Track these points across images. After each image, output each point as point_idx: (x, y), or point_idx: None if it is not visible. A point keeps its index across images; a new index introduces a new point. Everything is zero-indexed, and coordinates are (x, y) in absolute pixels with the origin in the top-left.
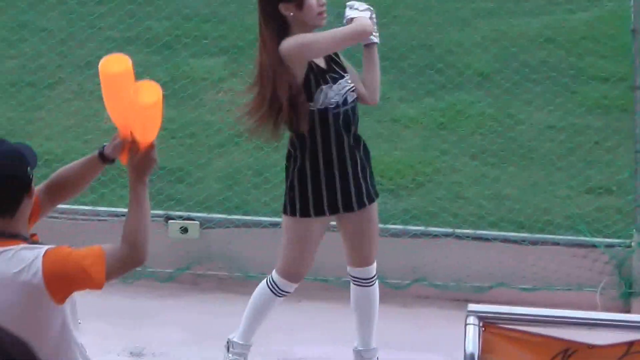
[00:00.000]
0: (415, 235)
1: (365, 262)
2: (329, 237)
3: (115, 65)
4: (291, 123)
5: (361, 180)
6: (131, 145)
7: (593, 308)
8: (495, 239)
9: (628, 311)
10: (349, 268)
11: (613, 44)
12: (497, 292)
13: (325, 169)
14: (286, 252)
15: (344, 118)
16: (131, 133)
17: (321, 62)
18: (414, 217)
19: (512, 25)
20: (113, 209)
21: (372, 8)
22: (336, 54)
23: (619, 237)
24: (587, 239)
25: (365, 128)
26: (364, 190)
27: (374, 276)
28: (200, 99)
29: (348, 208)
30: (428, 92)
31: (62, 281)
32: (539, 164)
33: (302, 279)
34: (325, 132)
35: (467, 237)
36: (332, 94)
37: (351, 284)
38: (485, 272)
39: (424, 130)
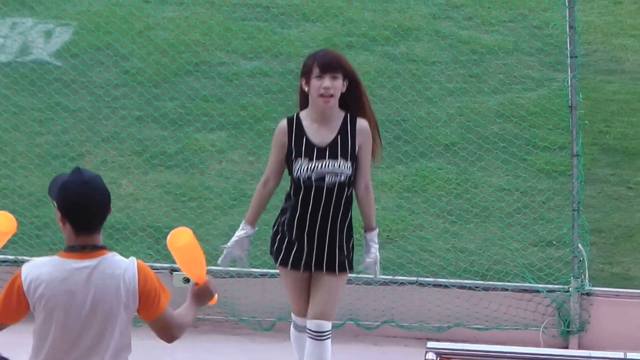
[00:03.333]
0: (385, 283)
1: (320, 315)
2: None
3: (181, 239)
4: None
5: (314, 248)
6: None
7: (537, 345)
8: (452, 285)
9: (566, 347)
10: (307, 320)
11: (555, 118)
12: (455, 331)
13: (288, 225)
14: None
15: (316, 193)
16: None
17: (314, 136)
18: (384, 268)
19: (473, 102)
20: None
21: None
22: (347, 141)
23: (559, 283)
24: (531, 285)
25: None
26: (314, 258)
27: (327, 331)
28: (204, 168)
29: (295, 266)
30: (398, 160)
31: (146, 291)
32: (493, 221)
33: (303, 314)
34: (296, 196)
35: (429, 284)
36: (306, 168)
37: (307, 337)
38: (444, 314)
39: (395, 193)
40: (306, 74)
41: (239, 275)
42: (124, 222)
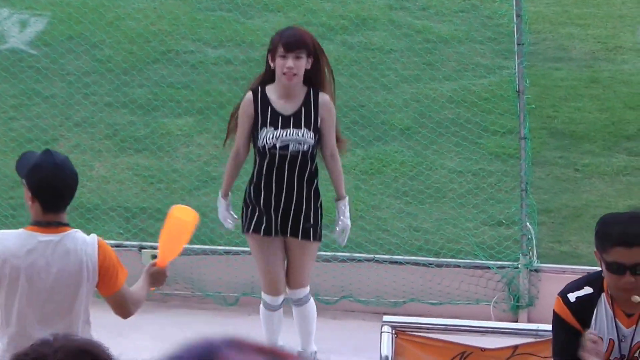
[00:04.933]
0: (343, 260)
1: (295, 284)
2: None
3: (188, 216)
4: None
5: (279, 215)
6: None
7: (488, 318)
8: (407, 262)
9: (516, 321)
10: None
11: (505, 103)
12: (410, 306)
13: (255, 194)
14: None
15: (279, 160)
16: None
17: (279, 106)
18: (343, 247)
19: (427, 88)
20: None
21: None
22: (310, 113)
23: (508, 260)
24: (483, 262)
25: None
26: (279, 224)
27: (303, 297)
28: (171, 151)
29: (267, 232)
30: (356, 144)
31: (105, 266)
32: (447, 201)
33: (278, 291)
34: (260, 165)
35: (385, 261)
36: (271, 136)
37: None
38: (400, 290)
39: (353, 175)
40: (272, 51)
41: (205, 252)
42: (96, 203)
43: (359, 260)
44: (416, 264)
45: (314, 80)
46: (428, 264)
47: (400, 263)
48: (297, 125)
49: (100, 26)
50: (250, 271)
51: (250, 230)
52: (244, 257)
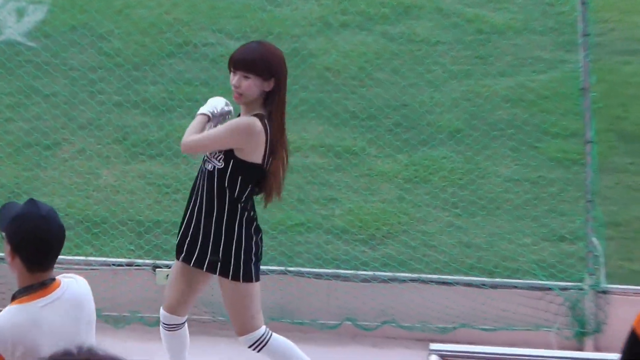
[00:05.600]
0: (385, 280)
1: (235, 331)
2: (304, 283)
3: None
4: None
5: (199, 244)
6: None
7: (549, 347)
8: (457, 283)
9: (581, 349)
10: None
11: (568, 102)
12: (461, 332)
13: (184, 213)
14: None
15: (200, 174)
16: None
17: None
18: (384, 264)
19: (478, 85)
20: (105, 259)
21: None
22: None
23: (572, 281)
24: (543, 282)
25: (342, 181)
26: (196, 254)
27: (251, 346)
28: (189, 157)
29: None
30: (400, 148)
31: None
32: (501, 214)
33: (173, 311)
34: (196, 180)
35: (432, 282)
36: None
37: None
38: (448, 314)
39: (395, 184)
40: (228, 65)
41: None
42: (103, 216)
43: (402, 280)
44: (467, 284)
45: (268, 103)
46: (481, 285)
47: (449, 284)
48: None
49: (107, 15)
50: (279, 292)
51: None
52: (272, 277)
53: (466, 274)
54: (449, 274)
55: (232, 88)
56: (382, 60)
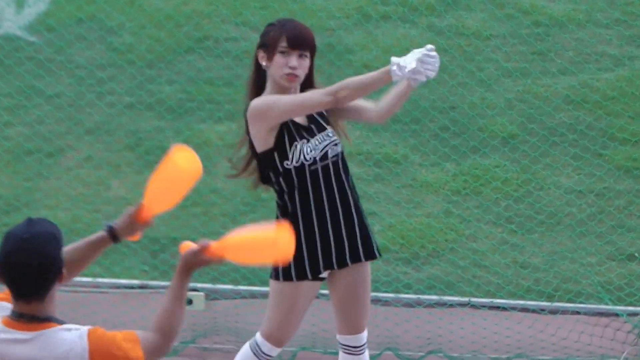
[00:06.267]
0: (431, 305)
1: (355, 329)
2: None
3: (188, 162)
4: (264, 179)
5: (345, 238)
6: (202, 247)
7: None
8: (513, 308)
9: None
10: (338, 336)
11: (638, 104)
12: None
13: (305, 229)
14: (271, 315)
15: (324, 174)
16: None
17: (297, 117)
18: (430, 287)
19: (536, 85)
20: (114, 281)
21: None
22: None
23: None
24: (609, 307)
25: (382, 193)
26: (347, 249)
27: (364, 344)
28: (210, 166)
29: (328, 267)
30: (448, 156)
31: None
32: (562, 230)
33: (284, 343)
34: (303, 190)
35: (484, 306)
36: (308, 149)
37: (340, 353)
38: (502, 342)
39: (442, 196)
40: (270, 46)
41: (253, 295)
42: None
43: (451, 305)
44: (523, 309)
45: (306, 84)
46: (539, 310)
47: (504, 308)
48: (321, 127)
49: (118, 6)
50: (311, 319)
51: (297, 278)
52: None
53: (522, 298)
54: (503, 298)
55: (287, 71)
56: None
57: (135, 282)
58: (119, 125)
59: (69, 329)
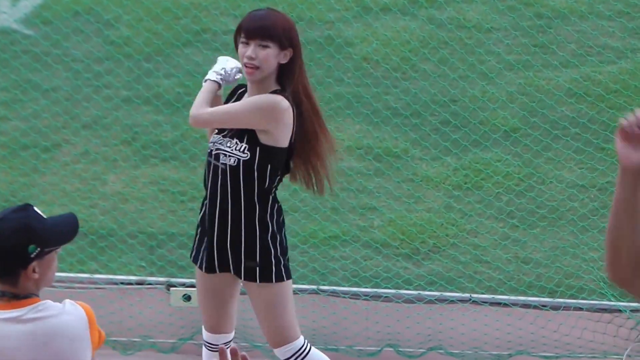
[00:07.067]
0: (431, 301)
1: (270, 342)
2: (339, 303)
3: None
4: None
5: (228, 249)
6: None
7: None
8: (514, 304)
9: None
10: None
11: None
12: (518, 359)
13: (200, 221)
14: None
15: (214, 171)
16: None
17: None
18: (430, 283)
19: (538, 78)
20: (111, 277)
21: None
22: None
23: None
24: (612, 303)
25: (382, 188)
26: (230, 261)
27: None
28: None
29: (210, 270)
30: (448, 150)
31: (94, 329)
32: (564, 225)
33: (215, 329)
34: (206, 180)
35: (485, 302)
36: (212, 141)
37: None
38: (504, 339)
39: (442, 191)
40: (234, 37)
41: None
42: (111, 228)
43: (451, 301)
44: (525, 305)
45: (284, 80)
46: (540, 306)
47: (505, 304)
48: (230, 134)
49: None
50: (311, 315)
51: (192, 260)
52: (303, 297)
53: (524, 294)
54: (504, 293)
55: (245, 61)
56: (428, 49)
57: (132, 278)
58: (116, 119)
59: (52, 302)
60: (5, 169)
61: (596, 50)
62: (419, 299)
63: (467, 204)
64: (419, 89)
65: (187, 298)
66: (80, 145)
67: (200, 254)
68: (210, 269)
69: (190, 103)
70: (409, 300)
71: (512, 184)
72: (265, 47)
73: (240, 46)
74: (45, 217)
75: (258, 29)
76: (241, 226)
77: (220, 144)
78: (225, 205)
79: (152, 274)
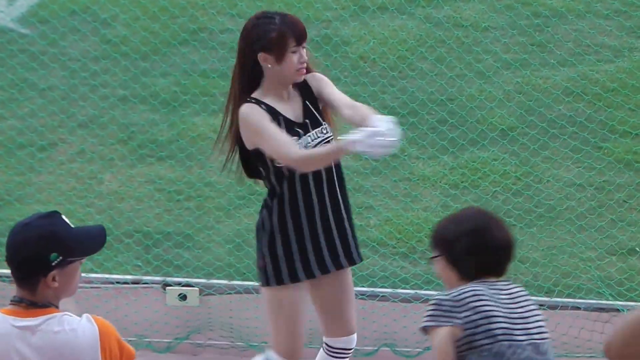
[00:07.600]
0: (427, 300)
1: (349, 329)
2: None
3: None
4: (253, 173)
5: (336, 240)
6: None
7: None
8: None
9: None
10: (327, 339)
11: (638, 96)
12: None
13: (295, 229)
14: (274, 327)
15: (314, 173)
16: None
17: (289, 113)
18: (427, 282)
19: (535, 77)
20: (107, 276)
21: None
22: (314, 104)
23: None
24: (609, 302)
25: (378, 187)
26: (340, 251)
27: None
28: (204, 160)
29: (324, 271)
30: (445, 149)
31: (106, 348)
32: (561, 224)
33: (300, 354)
34: (292, 189)
35: None
36: (300, 147)
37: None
38: None
39: (439, 190)
40: (276, 48)
41: (248, 291)
42: (107, 227)
43: None
44: None
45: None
46: (538, 305)
47: None
48: (316, 124)
49: None
50: (309, 315)
51: (290, 280)
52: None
53: None
54: None
55: (299, 67)
56: (425, 48)
57: (128, 277)
58: (112, 118)
59: (71, 315)
60: (1, 167)
61: (593, 49)
62: (416, 298)
63: (464, 202)
64: (415, 88)
65: (183, 297)
66: (76, 144)
67: (311, 261)
68: (337, 266)
69: (187, 102)
70: (406, 300)
71: (509, 182)
72: (305, 46)
73: (291, 55)
74: (72, 226)
75: (304, 31)
76: (348, 210)
77: (313, 139)
78: (334, 193)
79: (148, 273)
